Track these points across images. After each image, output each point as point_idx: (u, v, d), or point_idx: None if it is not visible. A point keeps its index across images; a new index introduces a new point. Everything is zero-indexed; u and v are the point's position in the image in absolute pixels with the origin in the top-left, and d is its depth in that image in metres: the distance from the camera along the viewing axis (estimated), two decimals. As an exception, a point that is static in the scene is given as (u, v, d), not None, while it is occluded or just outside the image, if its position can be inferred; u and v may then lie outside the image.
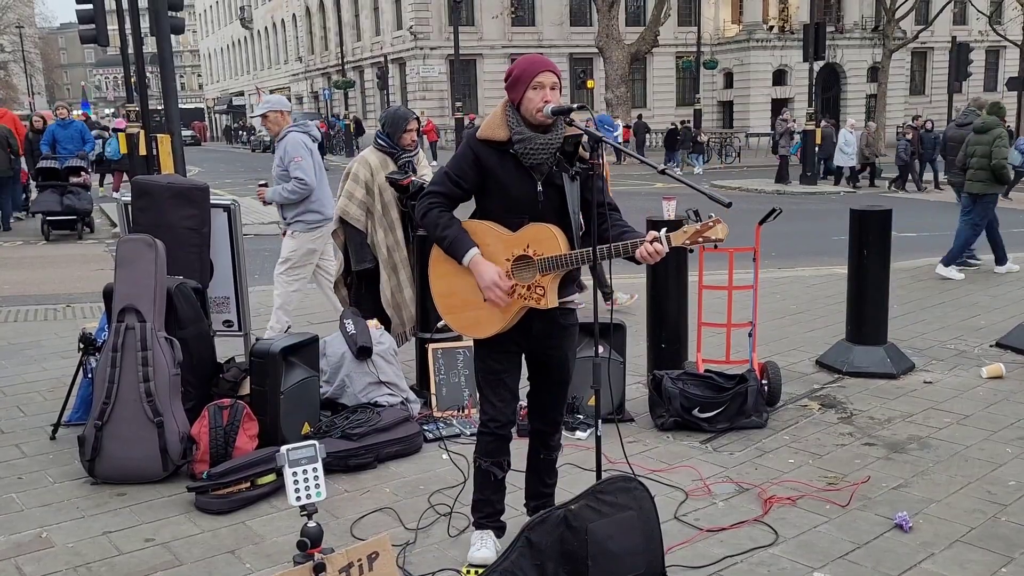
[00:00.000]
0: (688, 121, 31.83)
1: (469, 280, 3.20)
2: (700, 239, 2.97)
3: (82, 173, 13.97)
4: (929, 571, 3.36)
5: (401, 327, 5.57)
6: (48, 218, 13.52)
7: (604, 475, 3.16)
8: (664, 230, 3.03)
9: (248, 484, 4.01)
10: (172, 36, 11.65)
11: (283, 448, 2.72)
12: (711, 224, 2.96)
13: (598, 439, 3.20)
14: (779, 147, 23.81)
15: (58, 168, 13.72)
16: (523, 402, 3.57)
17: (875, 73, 39.39)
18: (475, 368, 3.40)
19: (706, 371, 5.15)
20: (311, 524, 2.68)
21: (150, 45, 15.62)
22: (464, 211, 3.30)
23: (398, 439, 4.55)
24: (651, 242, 3.01)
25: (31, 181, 15.34)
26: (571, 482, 4.05)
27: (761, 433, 4.85)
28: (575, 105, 3.11)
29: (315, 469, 2.71)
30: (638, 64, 36.93)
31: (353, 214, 5.48)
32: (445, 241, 3.18)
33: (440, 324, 3.35)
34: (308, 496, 2.69)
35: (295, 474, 2.68)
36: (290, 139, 5.98)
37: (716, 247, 3.15)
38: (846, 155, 22.04)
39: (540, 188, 3.16)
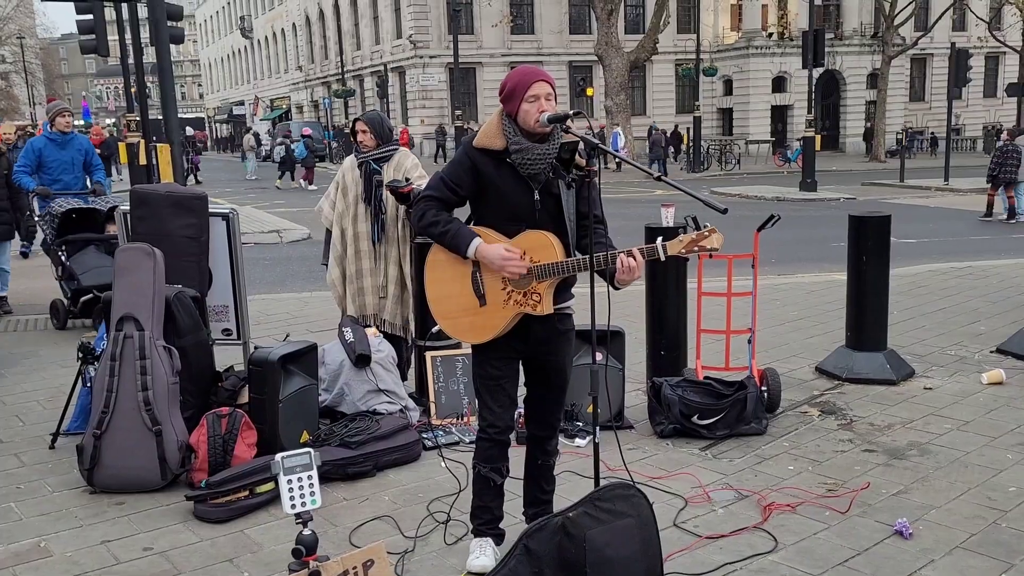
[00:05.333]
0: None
1: (465, 285, 3.21)
2: (696, 248, 3.02)
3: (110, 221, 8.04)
4: (929, 577, 3.35)
5: (359, 312, 5.48)
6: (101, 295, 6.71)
7: (603, 482, 3.15)
8: (660, 239, 3.06)
9: (246, 492, 4.00)
10: (172, 46, 11.69)
11: (278, 456, 2.72)
12: (706, 234, 3.01)
13: (596, 446, 3.19)
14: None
15: (100, 210, 8.07)
16: (520, 409, 3.57)
17: (875, 80, 39.45)
18: (473, 374, 3.40)
19: (705, 378, 5.14)
20: (306, 532, 2.68)
21: (150, 55, 15.69)
22: (459, 216, 3.31)
23: (397, 447, 4.55)
24: (626, 255, 3.05)
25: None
26: (570, 489, 4.04)
27: (760, 440, 4.84)
28: (571, 112, 3.11)
29: (310, 477, 2.71)
30: (637, 71, 37.02)
31: (325, 211, 5.56)
32: (447, 236, 3.18)
33: (435, 330, 3.35)
34: (303, 504, 2.69)
35: (290, 482, 2.68)
36: None
37: (712, 256, 3.18)
38: None
39: (537, 197, 3.17)
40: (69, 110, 8.95)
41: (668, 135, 32.55)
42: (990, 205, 16.73)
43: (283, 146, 29.22)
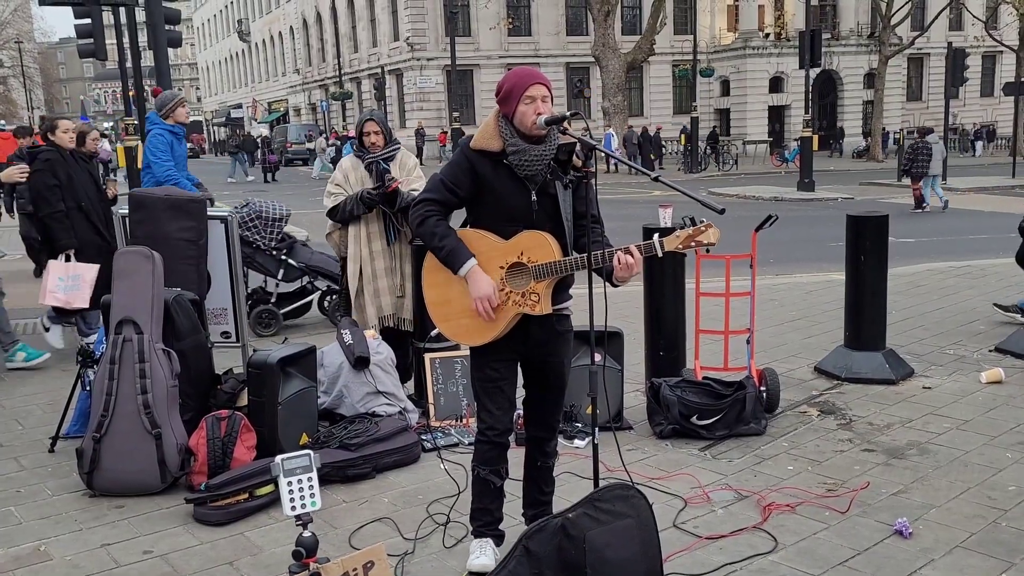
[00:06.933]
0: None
1: (463, 288, 3.21)
2: (692, 243, 3.04)
3: None
4: (929, 576, 3.35)
5: (377, 314, 5.46)
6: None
7: (602, 483, 3.15)
8: (657, 236, 3.07)
9: (246, 495, 4.00)
10: (170, 50, 11.71)
11: (278, 458, 2.73)
12: (703, 229, 3.02)
13: (595, 447, 3.20)
14: None
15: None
16: (519, 411, 3.57)
17: (872, 79, 39.46)
18: (472, 377, 3.41)
19: (704, 378, 5.14)
20: (306, 534, 2.68)
21: (148, 59, 15.70)
22: (456, 219, 3.31)
23: (396, 449, 4.55)
24: (624, 253, 3.06)
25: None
26: (569, 491, 4.04)
27: (760, 440, 4.84)
28: (568, 113, 3.12)
29: (310, 479, 2.71)
30: (635, 73, 37.03)
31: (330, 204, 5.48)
32: (442, 251, 3.20)
33: (434, 332, 3.37)
34: (303, 506, 2.70)
35: (290, 484, 2.68)
36: None
37: (708, 251, 3.19)
38: None
39: (534, 197, 3.18)
40: (185, 99, 7.77)
41: (641, 134, 31.90)
42: (918, 199, 18.04)
43: (334, 147, 33.38)
